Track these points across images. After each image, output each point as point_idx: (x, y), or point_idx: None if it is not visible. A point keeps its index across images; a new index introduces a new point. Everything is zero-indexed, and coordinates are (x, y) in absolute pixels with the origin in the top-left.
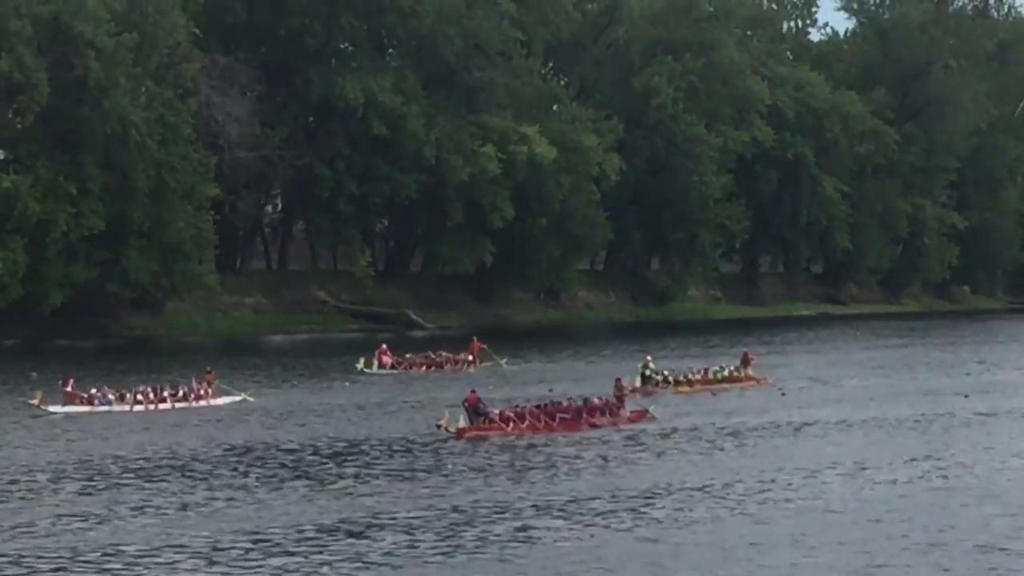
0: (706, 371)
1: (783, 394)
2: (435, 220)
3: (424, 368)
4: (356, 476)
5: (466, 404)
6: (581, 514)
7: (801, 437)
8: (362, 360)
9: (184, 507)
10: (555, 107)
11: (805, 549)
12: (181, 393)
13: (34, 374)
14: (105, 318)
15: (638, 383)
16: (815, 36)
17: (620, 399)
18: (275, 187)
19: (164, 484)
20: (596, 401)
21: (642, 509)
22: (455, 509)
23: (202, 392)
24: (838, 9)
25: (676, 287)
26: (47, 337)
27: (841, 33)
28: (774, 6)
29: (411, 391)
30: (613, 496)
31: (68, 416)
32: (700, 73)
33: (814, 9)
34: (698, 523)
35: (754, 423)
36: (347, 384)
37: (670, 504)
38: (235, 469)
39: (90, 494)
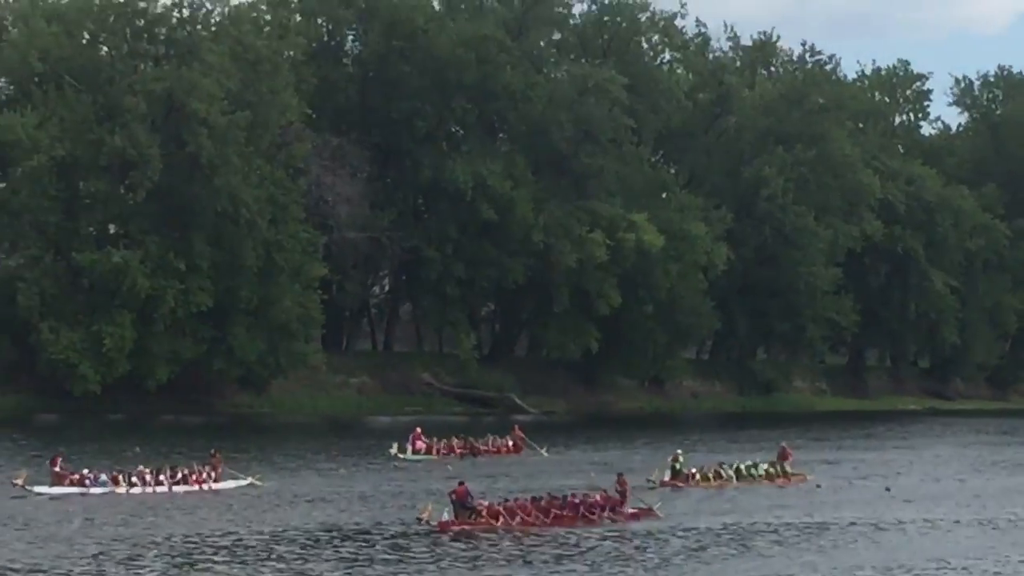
0: (739, 466)
1: (818, 486)
2: (542, 305)
3: (460, 454)
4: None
5: (453, 496)
6: None
7: (828, 538)
8: (395, 445)
9: None
10: (664, 195)
11: None
12: (181, 476)
13: (137, 448)
14: (210, 395)
15: (667, 477)
16: (927, 130)
17: (623, 495)
18: (383, 268)
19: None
20: (596, 497)
21: None
22: None
23: (204, 475)
24: (951, 104)
25: (782, 378)
26: (152, 413)
27: (953, 127)
28: (886, 99)
29: (434, 478)
30: None
31: (53, 498)
32: (811, 164)
33: (926, 103)
34: None
35: (768, 522)
36: (342, 471)
37: None
38: (190, 555)
39: None
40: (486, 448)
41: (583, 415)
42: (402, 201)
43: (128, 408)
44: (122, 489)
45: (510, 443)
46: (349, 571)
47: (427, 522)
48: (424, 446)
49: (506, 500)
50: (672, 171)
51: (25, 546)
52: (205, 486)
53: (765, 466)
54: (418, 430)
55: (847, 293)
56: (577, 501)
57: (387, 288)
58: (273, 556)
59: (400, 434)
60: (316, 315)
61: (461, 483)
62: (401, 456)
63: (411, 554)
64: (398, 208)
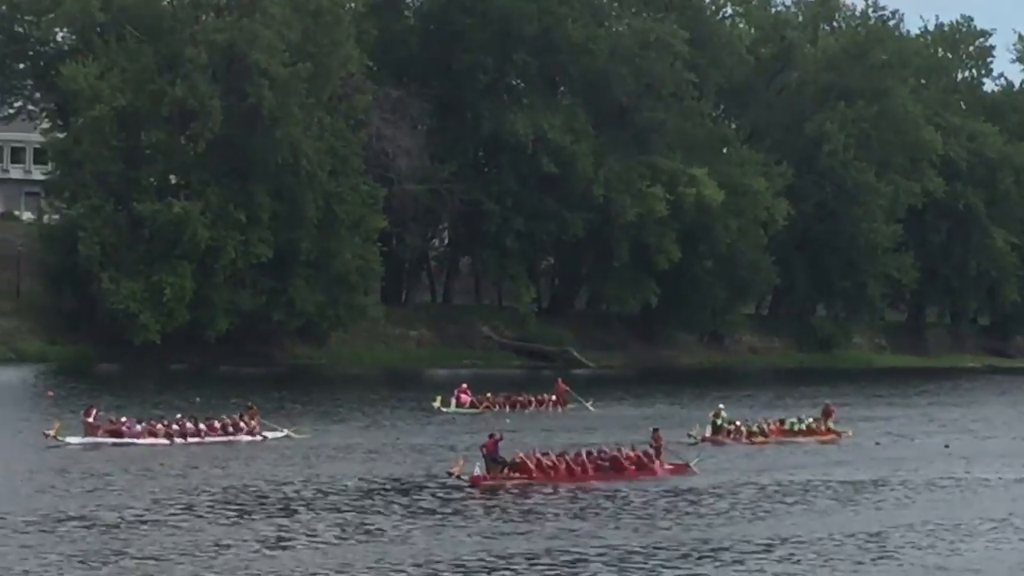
0: (782, 422)
1: (877, 443)
2: (601, 259)
3: (505, 408)
4: (342, 521)
5: (483, 450)
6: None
7: (883, 495)
8: (439, 398)
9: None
10: (725, 150)
11: None
12: (218, 426)
13: (198, 398)
14: (269, 346)
15: (708, 432)
16: (989, 87)
17: (657, 450)
18: (442, 221)
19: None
20: (629, 452)
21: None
22: (451, 563)
23: (241, 426)
24: (1013, 61)
25: (841, 334)
26: (212, 363)
27: (1016, 84)
28: (949, 55)
29: (476, 432)
30: (620, 554)
31: (87, 448)
32: (872, 120)
33: (989, 60)
34: None
35: (809, 479)
36: (384, 424)
37: (678, 566)
38: (212, 508)
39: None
40: (530, 402)
41: (641, 370)
42: (462, 154)
43: (188, 358)
44: (157, 440)
45: (554, 397)
46: (376, 525)
47: (458, 476)
48: (468, 400)
49: (538, 455)
50: (733, 126)
51: (58, 498)
52: (241, 437)
53: (808, 422)
54: (463, 384)
55: (907, 250)
56: (610, 456)
57: (447, 241)
58: (297, 509)
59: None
60: (376, 267)
61: (492, 436)
62: (445, 409)
63: (441, 509)
64: (458, 161)
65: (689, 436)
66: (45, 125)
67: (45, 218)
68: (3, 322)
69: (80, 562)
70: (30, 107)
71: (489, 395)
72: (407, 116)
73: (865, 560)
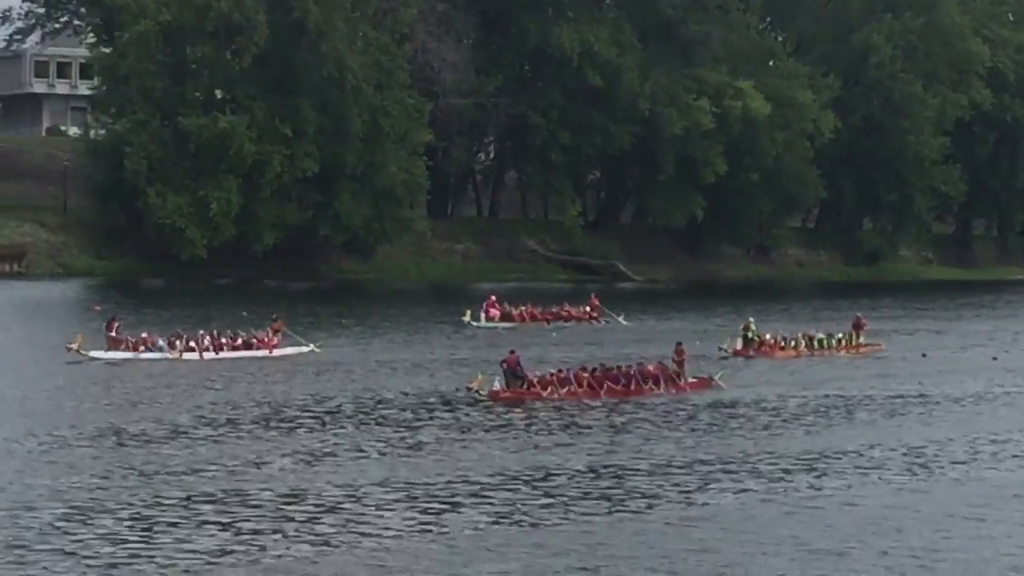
0: (812, 336)
1: (924, 355)
2: (647, 173)
3: (535, 321)
4: (350, 439)
5: (504, 365)
6: (610, 487)
7: (910, 410)
8: (468, 312)
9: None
10: (771, 63)
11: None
12: (241, 341)
13: (245, 313)
14: (316, 260)
15: (739, 345)
16: None
17: (680, 365)
18: (488, 135)
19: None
20: (650, 367)
21: (680, 484)
22: (473, 478)
23: (265, 340)
24: None
25: (888, 247)
26: (258, 277)
27: None
28: None
29: (505, 345)
30: (644, 468)
31: (109, 363)
32: (920, 32)
33: None
34: (722, 502)
35: (847, 393)
36: (415, 338)
37: (705, 480)
38: (247, 423)
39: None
40: (562, 316)
41: (687, 283)
42: (508, 67)
43: (234, 273)
44: (179, 354)
45: (586, 311)
46: (393, 440)
47: (477, 391)
48: (497, 313)
49: (559, 370)
50: (779, 38)
51: (86, 410)
52: (264, 352)
53: (839, 335)
54: (492, 298)
55: (954, 162)
56: (632, 371)
57: (492, 155)
58: (315, 423)
59: (503, 300)
60: (421, 181)
61: (512, 352)
62: (474, 323)
63: (459, 424)
64: (504, 74)
65: (720, 350)
66: (91, 40)
67: (91, 133)
68: (50, 237)
69: (129, 477)
70: (76, 22)
71: (521, 308)
72: (452, 30)
73: (905, 474)
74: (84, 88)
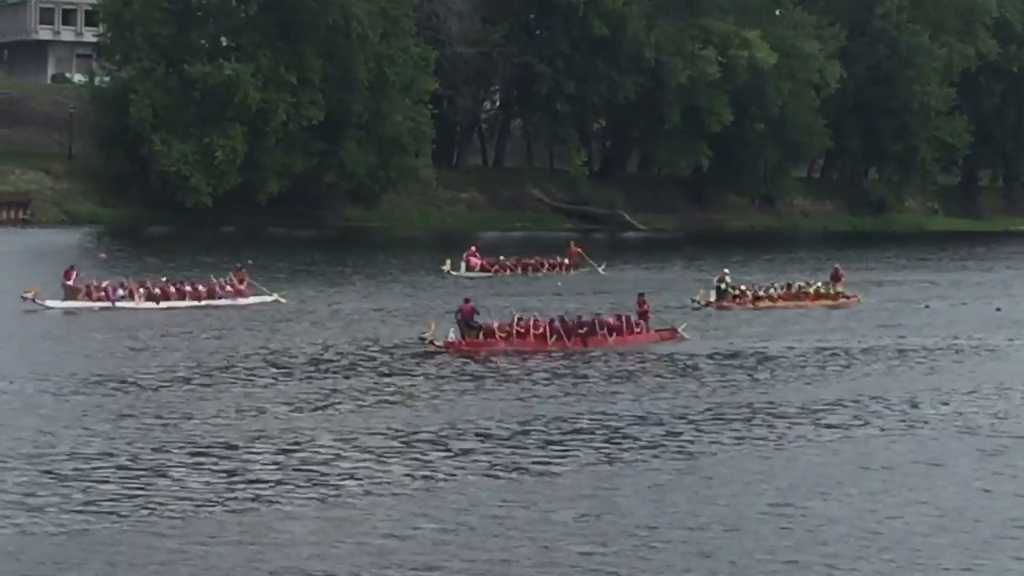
0: (789, 286)
1: (927, 306)
2: (652, 122)
3: (516, 271)
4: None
5: (458, 315)
6: (565, 440)
7: (858, 364)
8: (448, 262)
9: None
10: (777, 12)
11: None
12: (203, 290)
13: (250, 261)
14: (321, 209)
15: (713, 297)
16: None
17: (643, 316)
18: (494, 84)
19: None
20: (611, 318)
21: (636, 437)
22: (432, 428)
23: (229, 290)
24: None
25: (893, 198)
26: (263, 225)
27: None
28: None
29: (483, 295)
30: (606, 420)
31: (67, 312)
32: None
33: None
34: (690, 451)
35: (811, 345)
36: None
37: (671, 431)
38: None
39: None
40: (542, 265)
41: (692, 232)
42: (513, 16)
43: (239, 221)
44: (140, 303)
45: (566, 260)
46: (339, 392)
47: (431, 341)
48: (478, 263)
49: (517, 319)
50: None
51: (46, 360)
52: (227, 301)
53: (816, 286)
54: (472, 247)
55: (961, 113)
56: (592, 322)
57: (498, 103)
58: (264, 374)
59: (510, 249)
60: (427, 130)
61: (467, 300)
62: (454, 273)
63: (412, 374)
64: (509, 23)
65: (693, 301)
66: None
67: (96, 80)
68: (55, 184)
69: (120, 427)
70: None
71: (500, 258)
72: None
73: (896, 427)
74: (89, 35)
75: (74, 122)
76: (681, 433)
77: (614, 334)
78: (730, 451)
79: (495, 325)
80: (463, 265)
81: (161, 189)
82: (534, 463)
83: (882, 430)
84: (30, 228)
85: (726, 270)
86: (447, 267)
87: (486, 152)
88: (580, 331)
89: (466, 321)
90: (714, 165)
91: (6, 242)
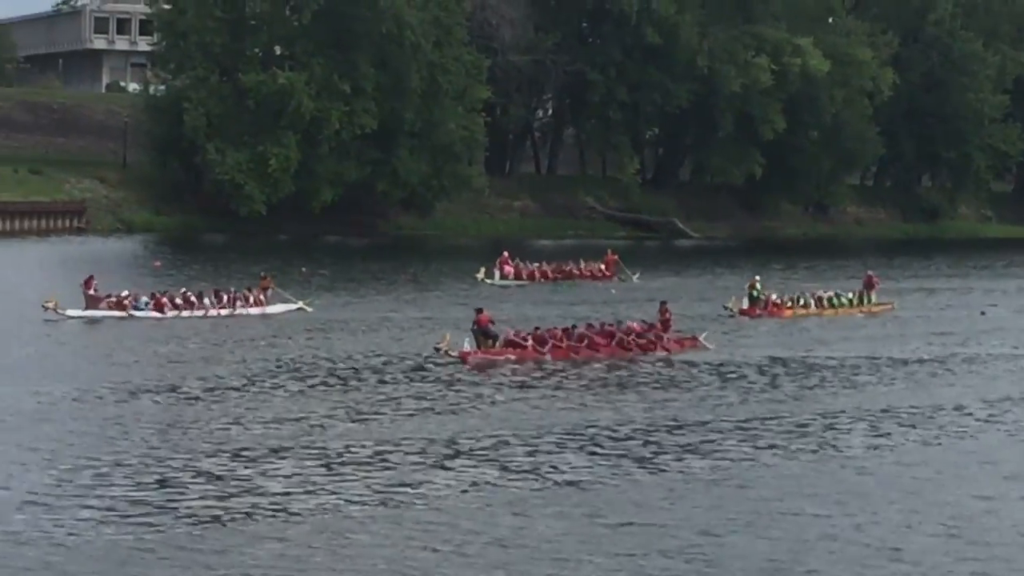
0: (822, 294)
1: (983, 313)
2: (705, 130)
3: (551, 279)
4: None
5: (475, 325)
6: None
7: (883, 375)
8: (483, 269)
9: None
10: (830, 20)
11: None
12: (226, 299)
13: (304, 269)
14: (374, 217)
15: (745, 304)
16: None
17: (664, 324)
18: (546, 92)
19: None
20: (633, 325)
21: (666, 446)
22: (451, 438)
23: (251, 299)
24: None
25: (947, 205)
26: (317, 234)
27: None
28: None
29: (515, 303)
30: (626, 429)
31: (89, 322)
32: None
33: None
34: (719, 463)
35: (839, 354)
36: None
37: (679, 442)
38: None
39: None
40: (577, 273)
41: (745, 240)
42: (566, 24)
43: (293, 229)
44: (164, 312)
45: (602, 268)
46: (348, 403)
47: (446, 352)
48: (512, 270)
49: (535, 329)
50: None
51: (69, 370)
52: (251, 310)
53: (849, 294)
54: (505, 254)
55: (1014, 120)
56: (611, 330)
57: (550, 111)
58: (277, 385)
59: (562, 256)
60: (479, 138)
61: (481, 310)
62: (488, 281)
63: (425, 386)
64: (562, 31)
65: (725, 309)
66: None
67: (151, 89)
68: (111, 193)
69: (160, 433)
70: None
71: (534, 266)
72: None
73: (928, 435)
74: (144, 44)
75: (129, 131)
76: (711, 441)
77: (634, 343)
78: (759, 458)
79: (512, 334)
80: (497, 273)
81: (215, 197)
82: (570, 470)
83: (915, 438)
84: (85, 236)
85: (757, 277)
86: (481, 275)
87: (539, 160)
88: (599, 339)
89: (482, 330)
90: (767, 173)
91: (61, 250)
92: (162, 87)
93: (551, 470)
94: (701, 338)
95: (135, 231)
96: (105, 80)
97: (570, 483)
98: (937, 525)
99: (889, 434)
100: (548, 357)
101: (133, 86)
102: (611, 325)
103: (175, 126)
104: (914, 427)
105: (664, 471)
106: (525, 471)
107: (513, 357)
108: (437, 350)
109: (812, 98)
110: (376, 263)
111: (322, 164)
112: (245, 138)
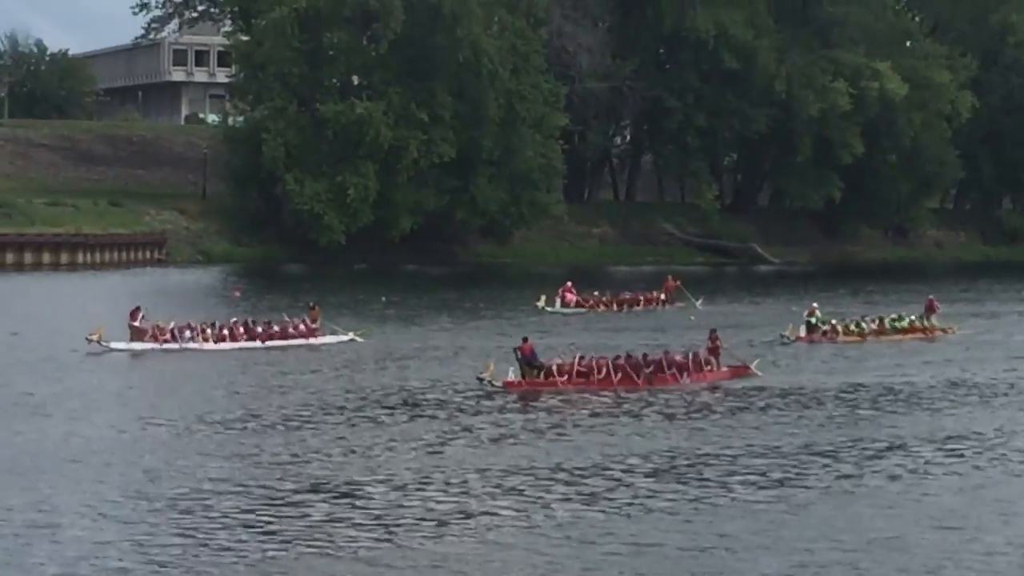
0: (882, 320)
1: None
2: (784, 155)
3: (612, 307)
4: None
5: (519, 354)
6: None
7: (951, 402)
8: (543, 298)
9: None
10: (908, 43)
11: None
12: (277, 330)
13: (384, 298)
14: (453, 245)
15: (803, 332)
16: None
17: (714, 352)
18: (624, 118)
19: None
20: (678, 355)
21: (708, 477)
22: (505, 467)
23: (302, 329)
24: None
25: None
26: (396, 263)
27: None
28: None
29: (575, 332)
30: (659, 459)
31: (135, 355)
32: None
33: None
34: (762, 495)
35: (899, 379)
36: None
37: (743, 471)
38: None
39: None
40: (638, 301)
41: (825, 265)
42: (643, 50)
43: (372, 258)
44: (209, 344)
45: (663, 295)
46: (393, 433)
47: (490, 382)
48: (573, 299)
49: (580, 358)
50: (916, 19)
51: (106, 407)
52: (300, 340)
53: (910, 319)
54: (568, 283)
55: None
56: (659, 359)
57: (628, 138)
58: (316, 416)
59: (643, 283)
60: (558, 165)
61: (526, 339)
62: (549, 309)
63: (468, 417)
64: (639, 57)
65: (782, 337)
66: (228, 28)
67: (229, 120)
68: (190, 224)
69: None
70: (213, 10)
71: (596, 294)
72: (588, 13)
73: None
74: (222, 76)
75: (208, 162)
76: (765, 470)
77: (683, 372)
78: (815, 487)
79: (556, 364)
80: (558, 301)
81: (294, 227)
82: (633, 498)
83: (975, 465)
84: (165, 268)
85: (815, 304)
86: (542, 303)
87: (617, 187)
88: (646, 369)
89: (527, 360)
90: (846, 197)
91: (142, 282)
92: (240, 118)
93: (608, 498)
94: (753, 366)
95: (215, 262)
96: (184, 112)
97: (653, 509)
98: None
99: (931, 462)
100: (594, 387)
101: (212, 117)
102: (658, 354)
103: (254, 157)
104: (963, 455)
105: (708, 499)
106: (587, 498)
107: (558, 387)
108: (480, 380)
109: (890, 122)
110: (453, 291)
111: (400, 193)
112: (324, 168)
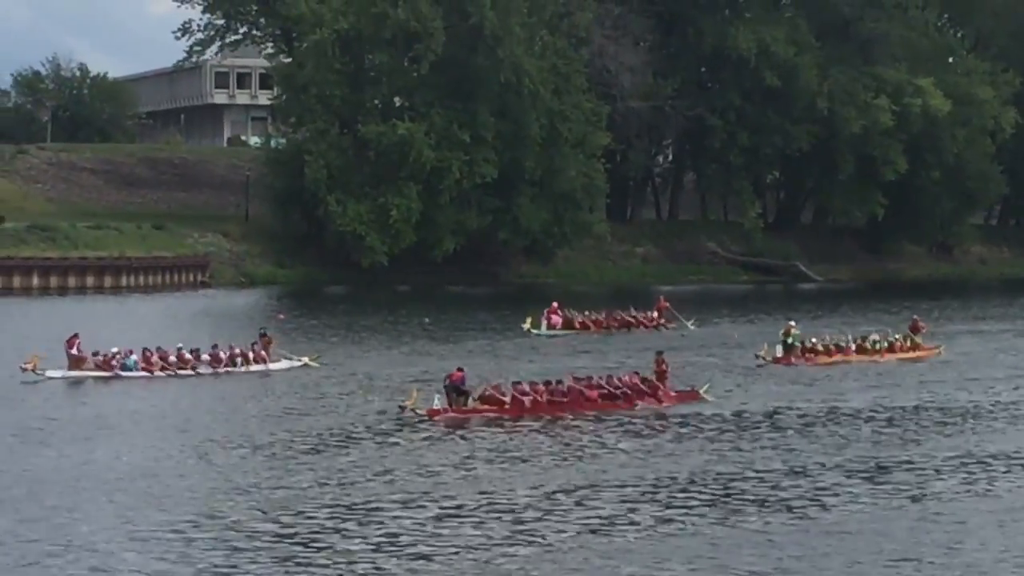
0: (863, 339)
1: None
2: (826, 172)
3: (601, 328)
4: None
5: (448, 382)
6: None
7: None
8: (529, 320)
9: None
10: (950, 59)
11: None
12: (224, 357)
13: (427, 319)
14: (496, 265)
15: (779, 352)
16: None
17: (660, 376)
18: (666, 137)
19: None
20: (624, 378)
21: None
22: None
23: (249, 356)
24: None
25: None
26: (439, 283)
27: None
28: None
29: (557, 354)
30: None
31: (72, 382)
32: None
33: None
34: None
35: (874, 401)
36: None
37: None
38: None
39: None
40: (628, 322)
41: (869, 282)
42: (685, 69)
43: (415, 279)
44: (154, 372)
45: (655, 315)
46: (299, 468)
47: (412, 410)
48: (560, 320)
49: (513, 383)
50: (958, 35)
51: (32, 439)
52: (252, 367)
53: (892, 339)
54: (555, 304)
55: None
56: (599, 383)
57: (671, 157)
58: (239, 443)
59: (687, 304)
60: (600, 185)
61: (459, 368)
62: (535, 332)
63: (388, 447)
64: (681, 76)
65: (757, 357)
66: (269, 50)
67: (272, 142)
68: (232, 247)
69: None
70: (254, 33)
71: (585, 315)
72: (629, 33)
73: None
74: (264, 98)
75: (250, 184)
76: (692, 499)
77: (624, 397)
78: (756, 517)
79: (488, 391)
80: (544, 323)
81: (337, 249)
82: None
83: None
84: (208, 290)
85: (792, 323)
86: (527, 325)
87: (660, 206)
88: (585, 394)
89: (456, 387)
90: (889, 214)
91: (185, 305)
92: (283, 140)
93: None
94: (702, 391)
95: (257, 284)
96: (226, 134)
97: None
98: None
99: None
100: (528, 414)
101: (254, 140)
102: (601, 378)
103: (296, 179)
104: (931, 480)
105: (639, 525)
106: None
107: (488, 414)
108: (402, 408)
109: (933, 138)
110: (493, 312)
111: (443, 214)
112: (366, 189)
